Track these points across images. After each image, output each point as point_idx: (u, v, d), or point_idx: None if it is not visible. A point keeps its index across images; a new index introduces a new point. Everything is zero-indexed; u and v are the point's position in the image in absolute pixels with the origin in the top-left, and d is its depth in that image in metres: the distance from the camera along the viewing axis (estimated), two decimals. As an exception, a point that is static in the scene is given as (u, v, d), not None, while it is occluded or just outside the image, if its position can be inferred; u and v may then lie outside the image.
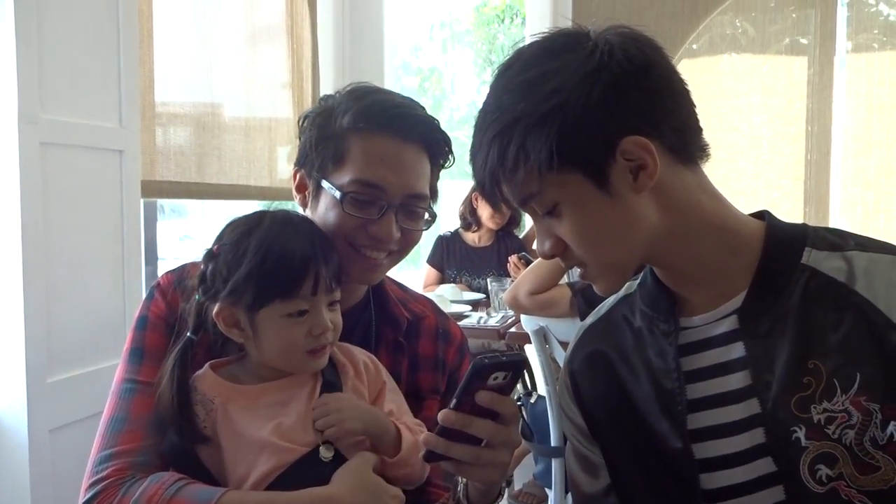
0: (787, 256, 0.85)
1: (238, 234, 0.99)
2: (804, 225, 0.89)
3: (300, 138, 1.12)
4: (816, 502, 0.78)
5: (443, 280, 3.77)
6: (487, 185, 0.86)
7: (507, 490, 3.13)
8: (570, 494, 2.19)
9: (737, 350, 0.85)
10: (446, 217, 3.91)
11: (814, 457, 0.78)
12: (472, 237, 3.83)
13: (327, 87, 3.32)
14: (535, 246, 2.11)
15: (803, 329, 0.81)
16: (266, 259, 0.95)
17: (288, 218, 1.02)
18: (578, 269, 0.91)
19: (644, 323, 0.94)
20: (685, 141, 0.85)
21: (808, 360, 0.80)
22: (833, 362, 0.79)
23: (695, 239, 0.86)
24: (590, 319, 1.04)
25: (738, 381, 0.85)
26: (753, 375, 0.83)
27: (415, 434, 1.01)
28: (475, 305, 3.30)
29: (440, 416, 0.83)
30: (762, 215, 0.91)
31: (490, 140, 0.83)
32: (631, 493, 0.96)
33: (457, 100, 7.81)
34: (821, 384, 0.79)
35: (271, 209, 1.04)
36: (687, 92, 0.85)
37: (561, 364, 2.21)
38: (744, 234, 0.87)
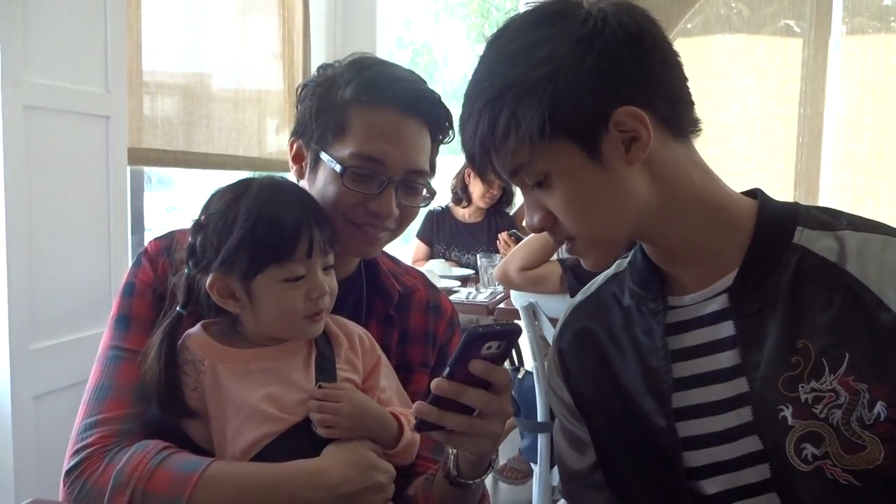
0: (778, 236, 0.84)
1: (226, 202, 0.97)
2: (796, 204, 0.88)
3: (298, 107, 1.10)
4: (801, 480, 0.78)
5: (432, 255, 3.77)
6: (477, 155, 0.84)
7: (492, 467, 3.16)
8: (556, 469, 2.21)
9: (726, 329, 0.85)
10: (437, 192, 3.89)
11: (800, 435, 0.78)
12: (462, 213, 3.83)
13: (319, 59, 3.28)
14: (525, 222, 2.11)
15: (793, 309, 0.81)
16: (258, 224, 0.93)
17: (275, 183, 1.00)
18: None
19: (633, 301, 0.94)
20: (677, 114, 0.84)
21: (797, 340, 0.79)
22: (822, 342, 0.78)
23: (685, 214, 0.85)
24: (579, 297, 1.04)
25: (726, 360, 0.84)
26: (742, 354, 0.83)
27: (414, 432, 1.00)
28: (464, 281, 3.30)
29: (433, 384, 0.83)
30: (754, 194, 0.90)
31: (480, 109, 0.82)
32: (616, 471, 0.96)
33: (449, 73, 7.76)
34: (809, 364, 0.79)
35: (257, 177, 1.02)
36: (680, 64, 0.84)
37: (550, 341, 2.22)
38: (735, 211, 0.86)
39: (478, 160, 0.85)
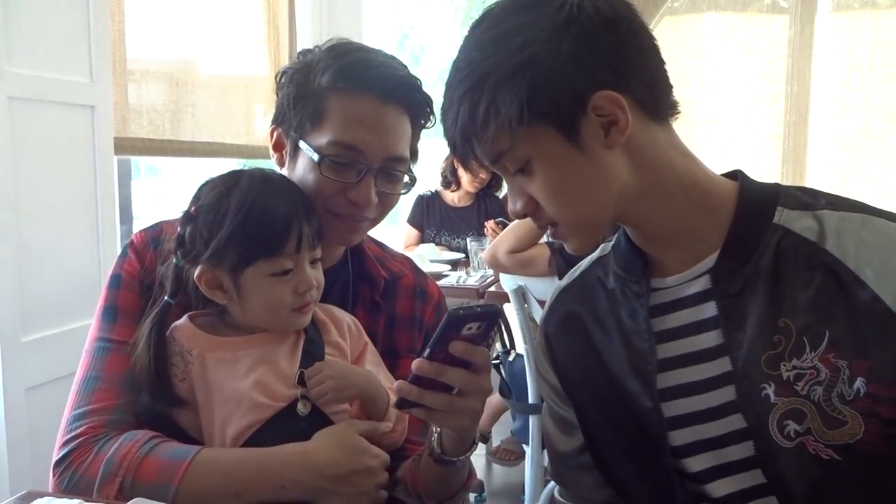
0: (759, 216, 0.85)
1: (217, 195, 0.97)
2: (776, 184, 0.89)
3: (278, 94, 1.09)
4: (784, 456, 0.79)
5: (422, 240, 3.77)
6: (459, 143, 0.85)
7: (485, 447, 3.19)
8: (548, 456, 2.23)
9: (709, 310, 0.86)
10: (425, 177, 3.89)
11: (783, 412, 0.79)
12: (451, 197, 3.83)
13: (305, 43, 3.26)
14: (508, 208, 2.11)
15: (774, 288, 0.82)
16: (248, 219, 0.94)
17: (266, 176, 1.00)
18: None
19: (617, 284, 0.95)
20: (656, 97, 0.84)
21: (779, 319, 0.81)
22: (803, 320, 0.79)
23: (666, 197, 0.86)
24: (564, 281, 1.05)
25: (709, 339, 0.86)
26: (725, 334, 0.84)
27: None
28: (454, 265, 3.31)
29: (414, 364, 0.84)
30: (735, 175, 0.91)
31: (461, 97, 0.82)
32: (604, 451, 0.97)
33: (436, 56, 7.72)
34: (790, 342, 0.80)
35: (247, 169, 1.02)
36: (657, 48, 0.85)
37: (539, 323, 2.23)
38: (716, 193, 0.87)
39: (459, 148, 0.86)
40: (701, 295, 0.87)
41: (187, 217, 0.98)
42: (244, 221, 0.94)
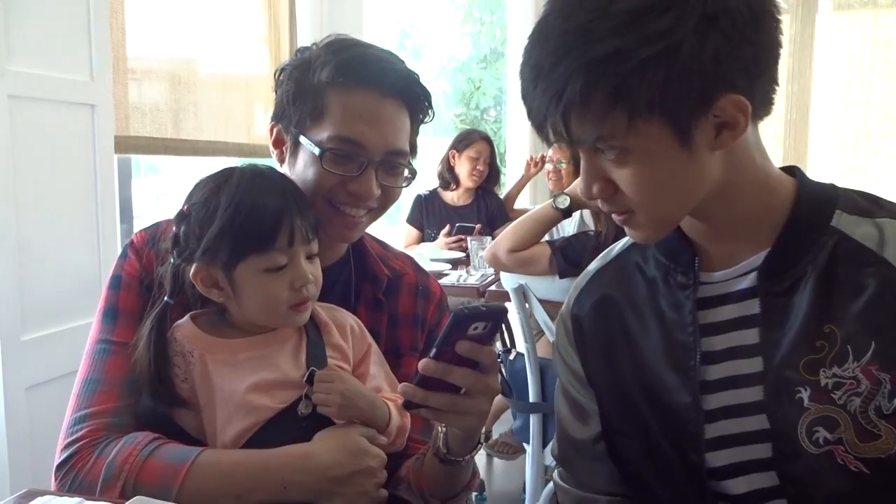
0: (816, 218, 0.83)
1: (207, 192, 0.97)
2: (833, 186, 0.87)
3: (277, 92, 1.09)
4: (808, 462, 0.78)
5: (422, 239, 3.76)
6: (554, 118, 0.76)
7: (483, 443, 3.18)
8: (548, 449, 2.22)
9: (752, 307, 0.84)
10: (423, 175, 3.88)
11: (814, 418, 0.78)
12: (450, 196, 3.82)
13: (305, 42, 3.24)
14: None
15: (824, 293, 0.80)
16: (237, 213, 0.93)
17: (257, 171, 1.00)
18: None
19: (659, 273, 0.92)
20: (768, 99, 0.80)
21: (825, 325, 0.79)
22: (849, 329, 0.78)
23: (740, 194, 0.83)
24: (597, 263, 1.02)
25: (748, 337, 0.84)
26: (762, 333, 0.83)
27: (403, 417, 1.02)
28: (455, 264, 3.31)
29: (421, 364, 0.84)
30: (792, 170, 0.88)
31: (574, 70, 0.73)
32: (621, 443, 0.96)
33: (436, 54, 7.73)
34: (833, 349, 0.78)
35: (240, 165, 1.02)
36: (781, 43, 0.79)
37: (540, 322, 2.23)
38: (777, 191, 0.85)
39: (551, 121, 0.77)
40: (747, 291, 0.85)
41: (180, 216, 0.98)
42: (233, 216, 0.93)
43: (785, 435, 0.80)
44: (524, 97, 0.81)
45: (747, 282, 0.85)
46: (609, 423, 0.97)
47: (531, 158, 4.06)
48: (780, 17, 0.77)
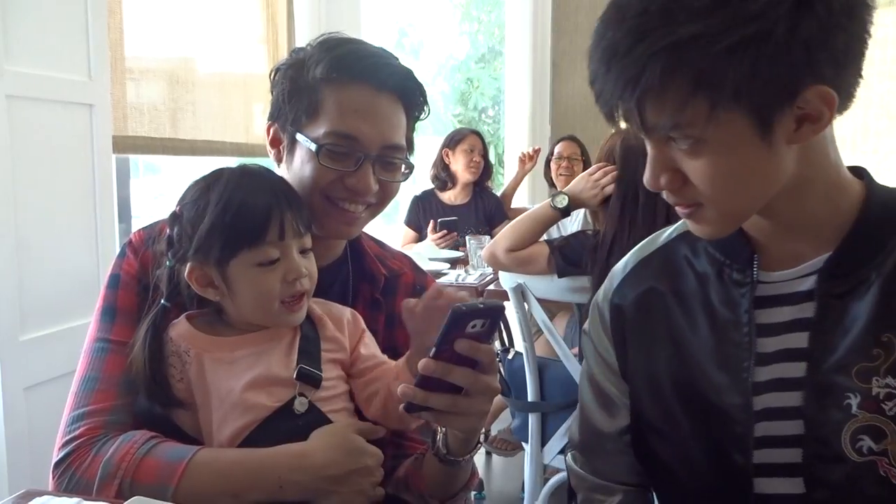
0: (885, 222, 0.81)
1: (198, 192, 0.98)
2: None
3: (272, 91, 1.10)
4: (848, 469, 0.77)
5: (420, 240, 3.76)
6: (628, 103, 0.73)
7: (482, 442, 3.18)
8: (547, 448, 2.22)
9: (807, 310, 0.82)
10: (422, 175, 3.88)
11: (860, 426, 0.76)
12: (447, 196, 3.81)
13: (303, 42, 3.25)
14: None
15: (886, 300, 0.78)
16: (227, 209, 0.94)
17: (246, 170, 1.00)
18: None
19: (712, 269, 0.89)
20: (852, 92, 0.76)
21: (884, 333, 0.77)
22: None
23: (811, 192, 0.80)
24: (639, 252, 0.99)
25: (798, 340, 0.82)
26: (812, 337, 0.81)
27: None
28: (453, 263, 3.31)
29: (420, 365, 0.83)
30: (860, 172, 0.86)
31: (654, 53, 0.69)
32: (654, 438, 0.93)
33: (434, 53, 7.73)
34: (889, 359, 0.76)
35: (230, 166, 1.02)
36: (870, 34, 0.75)
37: (539, 321, 2.23)
38: (849, 192, 0.83)
39: (623, 106, 0.74)
40: (804, 294, 0.83)
41: (173, 217, 0.99)
42: (223, 212, 0.94)
43: (825, 439, 0.78)
44: (593, 80, 0.76)
45: (806, 284, 0.83)
46: (641, 417, 0.94)
47: (524, 154, 4.06)
48: (873, 4, 0.73)
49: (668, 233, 0.98)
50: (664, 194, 0.81)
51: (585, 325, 1.04)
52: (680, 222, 0.94)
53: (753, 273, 0.85)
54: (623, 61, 0.71)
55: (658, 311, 0.92)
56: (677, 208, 0.83)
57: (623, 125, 0.77)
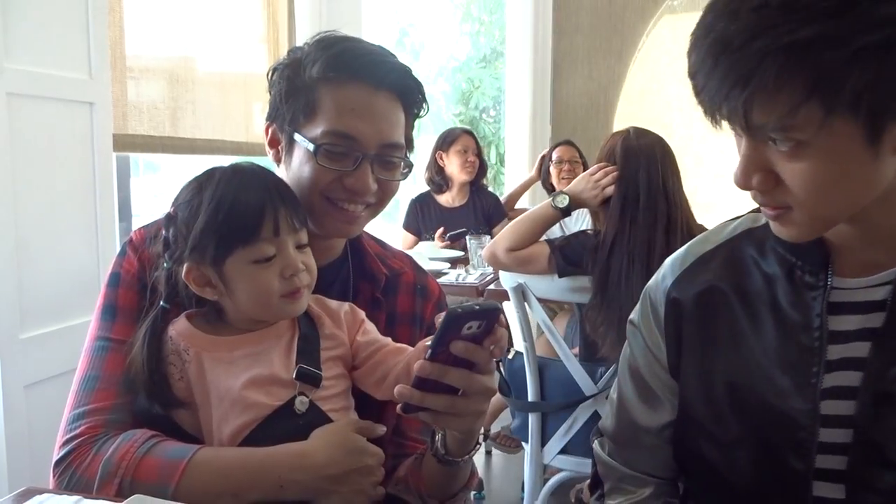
0: None
1: (191, 192, 0.98)
2: None
3: (270, 92, 1.09)
4: None
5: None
6: (735, 101, 0.68)
7: (481, 442, 3.18)
8: (547, 448, 2.22)
9: (875, 320, 0.80)
10: (415, 178, 3.85)
11: None
12: (444, 198, 3.76)
13: (304, 41, 3.25)
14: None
15: None
16: (220, 208, 0.94)
17: (238, 168, 1.00)
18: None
19: (782, 270, 0.86)
20: None
21: None
22: None
23: None
24: (699, 247, 0.95)
25: (860, 350, 0.81)
26: (874, 347, 0.79)
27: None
28: (454, 263, 3.31)
29: (416, 366, 0.83)
30: None
31: (771, 51, 0.65)
32: (700, 441, 0.91)
33: (435, 53, 7.73)
34: None
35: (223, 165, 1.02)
36: None
37: (539, 321, 2.23)
38: None
39: (728, 104, 0.70)
40: (877, 304, 0.81)
41: (168, 218, 0.99)
42: (216, 211, 0.94)
43: (878, 446, 0.77)
44: (695, 73, 0.72)
45: (880, 294, 0.80)
46: (689, 417, 0.92)
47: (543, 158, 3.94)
48: None
49: (730, 228, 0.94)
50: (751, 194, 0.78)
51: (633, 315, 1.01)
52: (742, 217, 0.92)
53: (828, 277, 0.83)
54: (734, 56, 0.67)
55: (720, 311, 0.90)
56: (763, 209, 0.80)
57: (725, 126, 0.73)
